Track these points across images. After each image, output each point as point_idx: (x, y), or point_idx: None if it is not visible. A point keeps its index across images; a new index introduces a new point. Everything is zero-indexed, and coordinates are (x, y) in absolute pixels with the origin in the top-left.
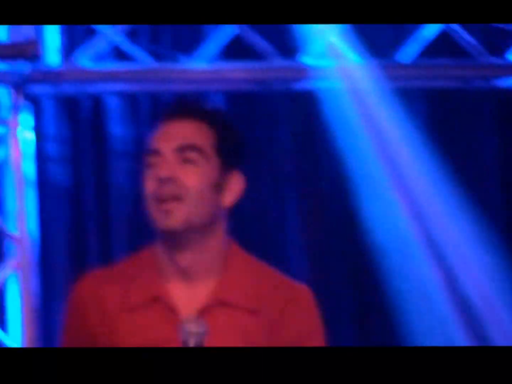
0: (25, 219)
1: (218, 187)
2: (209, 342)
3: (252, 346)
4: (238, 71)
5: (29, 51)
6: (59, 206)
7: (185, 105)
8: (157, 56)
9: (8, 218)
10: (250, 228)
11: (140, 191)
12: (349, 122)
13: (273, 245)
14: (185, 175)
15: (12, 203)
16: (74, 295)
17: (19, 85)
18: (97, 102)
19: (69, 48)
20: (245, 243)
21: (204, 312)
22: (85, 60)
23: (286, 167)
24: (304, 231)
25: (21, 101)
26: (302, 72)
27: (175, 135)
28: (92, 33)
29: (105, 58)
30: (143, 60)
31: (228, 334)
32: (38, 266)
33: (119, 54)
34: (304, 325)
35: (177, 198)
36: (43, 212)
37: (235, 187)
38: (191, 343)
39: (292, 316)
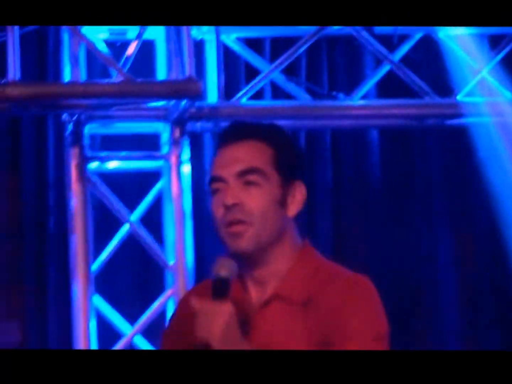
0: (183, 250)
1: (281, 201)
2: (264, 336)
3: (306, 337)
4: (392, 107)
5: (189, 89)
6: (214, 238)
7: (240, 128)
8: (314, 93)
9: (166, 248)
10: (401, 264)
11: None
12: (500, 156)
13: (426, 279)
14: (249, 199)
15: (170, 234)
16: (176, 308)
17: (179, 121)
18: None
19: (228, 85)
20: (396, 278)
21: (263, 307)
22: (243, 97)
23: (438, 202)
24: (456, 265)
25: (181, 136)
26: (455, 108)
27: (234, 160)
28: (250, 70)
29: (263, 95)
30: (300, 97)
31: (281, 326)
32: None
33: (276, 91)
34: (362, 314)
35: (244, 222)
36: (198, 243)
37: (297, 198)
38: (222, 273)
39: (350, 307)
